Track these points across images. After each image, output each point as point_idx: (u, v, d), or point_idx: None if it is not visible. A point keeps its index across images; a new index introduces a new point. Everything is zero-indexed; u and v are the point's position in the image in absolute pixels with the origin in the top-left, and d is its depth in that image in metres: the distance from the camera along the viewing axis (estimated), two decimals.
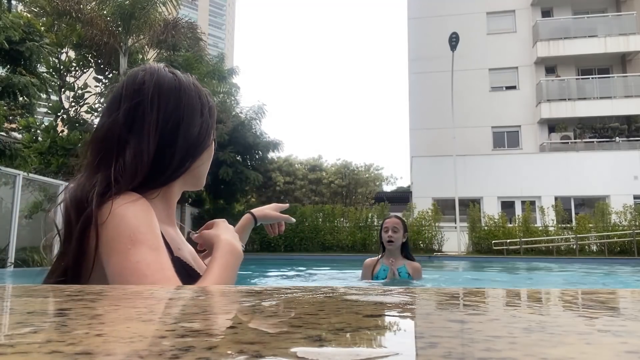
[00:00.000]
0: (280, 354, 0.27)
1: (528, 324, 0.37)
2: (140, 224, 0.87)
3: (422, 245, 16.71)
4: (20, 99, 9.82)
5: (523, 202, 18.32)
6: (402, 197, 23.36)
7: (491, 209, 17.97)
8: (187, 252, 1.08)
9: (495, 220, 16.69)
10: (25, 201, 9.25)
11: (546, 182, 18.74)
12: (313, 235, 17.85)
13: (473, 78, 22.12)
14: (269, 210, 1.47)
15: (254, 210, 1.46)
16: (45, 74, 11.69)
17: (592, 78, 21.87)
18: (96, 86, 16.37)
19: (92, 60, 16.05)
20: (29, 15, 12.02)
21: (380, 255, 3.89)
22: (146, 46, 16.84)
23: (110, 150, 0.95)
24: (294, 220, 1.52)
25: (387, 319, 0.43)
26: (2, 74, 9.65)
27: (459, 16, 22.74)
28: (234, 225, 1.38)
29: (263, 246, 18.24)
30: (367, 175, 24.50)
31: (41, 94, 10.37)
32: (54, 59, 14.08)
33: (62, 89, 15.19)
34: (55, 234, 0.96)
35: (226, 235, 1.05)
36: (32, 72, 9.93)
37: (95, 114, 14.70)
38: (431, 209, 17.20)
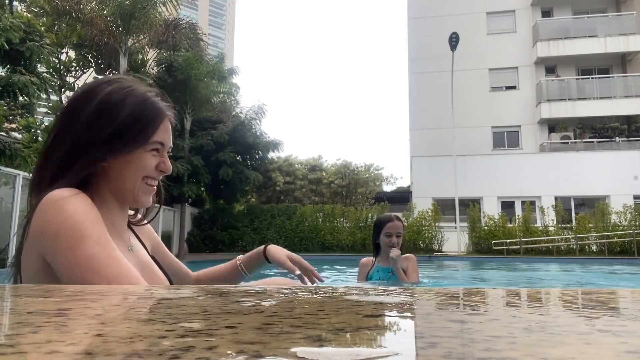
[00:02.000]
0: (280, 354, 0.27)
1: (528, 324, 0.37)
2: (83, 219, 0.88)
3: (422, 245, 16.71)
4: (21, 98, 9.83)
5: (523, 202, 18.31)
6: (402, 197, 23.35)
7: (491, 209, 17.96)
8: (133, 259, 1.06)
9: (495, 220, 16.69)
10: (25, 201, 9.22)
11: (546, 182, 18.72)
12: (313, 235, 17.84)
13: (473, 78, 22.11)
14: (282, 254, 1.33)
15: (269, 246, 1.35)
16: (45, 74, 11.69)
17: (592, 78, 21.86)
18: None
19: (92, 60, 16.07)
20: (29, 16, 12.02)
21: (374, 257, 3.66)
22: (146, 46, 16.85)
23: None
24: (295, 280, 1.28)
25: (387, 319, 0.43)
26: (2, 73, 9.65)
27: (459, 16, 22.73)
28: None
29: None
30: (367, 175, 24.51)
31: (41, 94, 10.37)
32: (54, 59, 14.09)
33: (62, 89, 15.20)
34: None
35: None
36: (32, 72, 9.94)
37: None
38: (431, 209, 17.19)
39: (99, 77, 16.42)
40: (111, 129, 0.98)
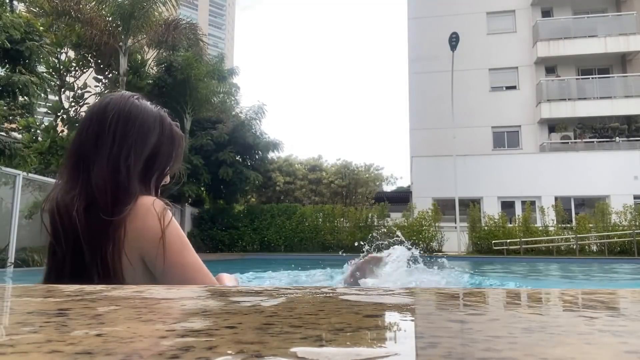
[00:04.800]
0: (280, 354, 0.27)
1: (528, 324, 0.37)
2: (180, 229, 1.07)
3: (422, 245, 16.71)
4: (21, 98, 9.82)
5: (523, 202, 18.31)
6: (402, 197, 23.36)
7: (491, 209, 17.96)
8: None
9: (495, 220, 16.69)
10: (25, 201, 9.24)
11: (546, 182, 18.73)
12: (313, 235, 17.84)
13: (473, 78, 22.11)
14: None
15: None
16: (45, 73, 11.68)
17: (592, 78, 21.86)
18: (96, 86, 16.37)
19: (92, 60, 16.06)
20: (28, 15, 12.01)
21: None
22: (145, 47, 16.85)
23: None
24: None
25: (387, 319, 0.43)
26: (2, 73, 9.65)
27: (459, 16, 22.73)
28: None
29: (263, 246, 18.24)
30: (367, 175, 24.51)
31: (41, 93, 10.37)
32: (53, 59, 14.08)
33: (62, 89, 15.19)
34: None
35: None
36: (32, 72, 9.93)
37: None
38: (431, 209, 17.19)
39: (99, 77, 16.44)
40: (174, 151, 1.18)
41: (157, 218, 1.00)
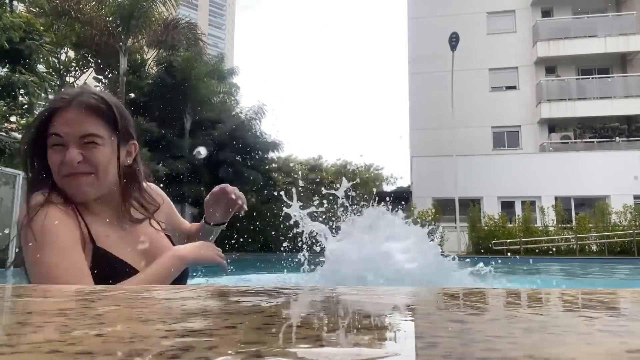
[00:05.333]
0: (280, 354, 0.27)
1: (528, 324, 0.37)
2: (47, 226, 1.00)
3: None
4: (21, 98, 9.83)
5: (523, 202, 18.30)
6: (402, 197, 23.35)
7: (491, 209, 17.95)
8: (127, 236, 1.12)
9: (495, 220, 16.68)
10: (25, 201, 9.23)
11: (546, 182, 18.71)
12: None
13: (473, 78, 22.08)
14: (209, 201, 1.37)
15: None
16: (44, 73, 11.68)
17: (592, 78, 21.85)
18: (96, 86, 16.37)
19: (92, 60, 16.07)
20: (28, 15, 12.02)
21: None
22: (145, 46, 16.87)
23: None
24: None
25: (387, 319, 0.43)
26: (2, 73, 9.65)
27: (459, 16, 22.71)
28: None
29: (263, 247, 18.24)
30: (367, 175, 24.52)
31: (41, 93, 10.38)
32: (53, 58, 14.10)
33: (62, 89, 15.19)
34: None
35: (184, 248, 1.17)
36: (32, 71, 9.94)
37: None
38: (431, 209, 17.19)
39: (99, 77, 16.47)
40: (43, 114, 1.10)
41: (24, 214, 1.00)
